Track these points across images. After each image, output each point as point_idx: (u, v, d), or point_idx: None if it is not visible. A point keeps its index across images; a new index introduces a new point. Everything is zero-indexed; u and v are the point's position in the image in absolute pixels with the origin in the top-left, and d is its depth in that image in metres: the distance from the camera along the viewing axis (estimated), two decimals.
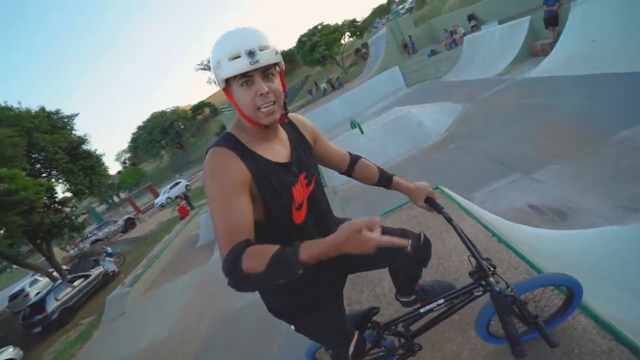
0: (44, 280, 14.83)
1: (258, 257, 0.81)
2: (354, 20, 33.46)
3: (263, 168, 1.00)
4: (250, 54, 0.89)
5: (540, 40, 10.05)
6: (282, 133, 1.15)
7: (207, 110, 57.59)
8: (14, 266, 15.62)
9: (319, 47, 30.34)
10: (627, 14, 6.67)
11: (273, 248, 0.82)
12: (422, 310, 1.40)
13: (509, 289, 1.11)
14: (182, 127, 48.09)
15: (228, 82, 0.96)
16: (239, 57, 0.90)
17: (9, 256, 11.74)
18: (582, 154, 4.45)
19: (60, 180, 15.28)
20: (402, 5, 39.33)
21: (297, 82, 42.45)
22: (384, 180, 1.41)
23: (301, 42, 31.82)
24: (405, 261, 1.37)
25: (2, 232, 9.98)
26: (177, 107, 50.89)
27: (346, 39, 34.19)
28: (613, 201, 3.43)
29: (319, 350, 1.81)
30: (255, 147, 1.03)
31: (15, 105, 14.24)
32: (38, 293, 12.97)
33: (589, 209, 3.50)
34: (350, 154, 1.43)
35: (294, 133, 1.19)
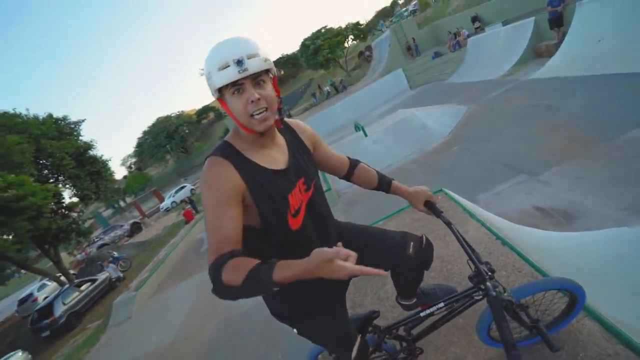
0: (51, 285, 15.00)
1: (237, 271, 0.82)
2: (358, 23, 33.58)
3: (258, 176, 1.02)
4: (239, 62, 0.92)
5: (544, 41, 9.99)
6: (280, 139, 1.16)
7: (211, 115, 57.98)
8: (23, 271, 15.78)
9: (322, 50, 30.48)
10: (633, 14, 6.60)
11: (252, 263, 0.82)
12: (422, 314, 1.40)
13: (505, 294, 1.11)
14: (187, 131, 48.42)
15: (221, 91, 0.99)
16: (228, 66, 0.92)
17: (17, 261, 11.88)
18: (588, 155, 4.40)
19: (67, 186, 15.46)
20: (405, 8, 39.39)
21: (301, 85, 42.62)
22: (383, 184, 1.42)
23: (305, 45, 31.98)
24: (408, 264, 1.38)
25: (10, 237, 10.11)
26: (182, 111, 51.30)
27: (350, 42, 34.28)
28: (620, 203, 3.39)
29: (322, 354, 1.81)
30: (251, 154, 1.05)
31: (24, 112, 14.46)
32: (46, 297, 13.11)
33: (596, 211, 3.45)
34: (349, 158, 1.44)
35: (293, 138, 1.20)
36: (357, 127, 9.80)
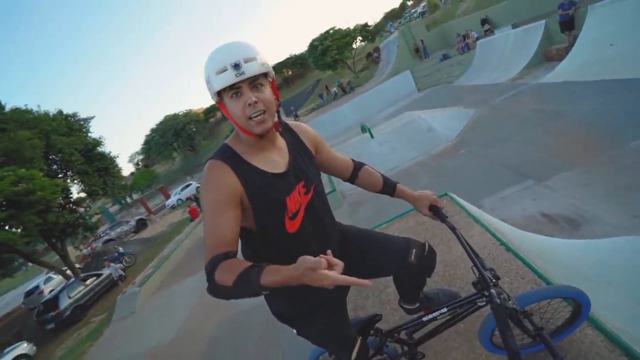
0: (57, 278, 15.19)
1: (229, 272, 0.84)
2: (366, 25, 33.48)
3: (257, 180, 1.03)
4: (236, 66, 0.93)
5: (555, 44, 9.88)
6: (281, 142, 1.16)
7: (218, 114, 58.20)
8: (30, 264, 16.03)
9: (330, 51, 30.47)
10: None
11: (243, 265, 0.84)
12: (425, 319, 1.39)
13: (510, 302, 1.10)
14: (194, 129, 48.68)
15: (220, 95, 1.00)
16: (226, 70, 0.94)
17: (25, 254, 12.08)
18: (597, 161, 4.34)
19: (75, 181, 15.69)
20: (414, 10, 39.21)
21: (308, 86, 42.64)
22: (388, 187, 1.42)
23: (313, 46, 32.00)
24: (409, 271, 1.37)
25: (19, 230, 10.28)
26: (190, 110, 51.59)
27: (358, 43, 34.23)
28: (629, 211, 3.33)
29: (322, 355, 1.81)
30: (250, 157, 1.06)
31: (35, 109, 14.69)
32: (52, 290, 13.28)
33: (603, 218, 3.41)
34: (354, 161, 1.43)
35: (294, 141, 1.20)
36: (364, 129, 9.79)
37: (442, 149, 7.57)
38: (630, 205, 3.38)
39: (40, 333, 10.55)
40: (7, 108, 13.27)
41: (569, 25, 8.96)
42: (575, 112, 5.96)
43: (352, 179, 1.42)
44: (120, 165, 18.96)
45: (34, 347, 9.18)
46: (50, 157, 14.36)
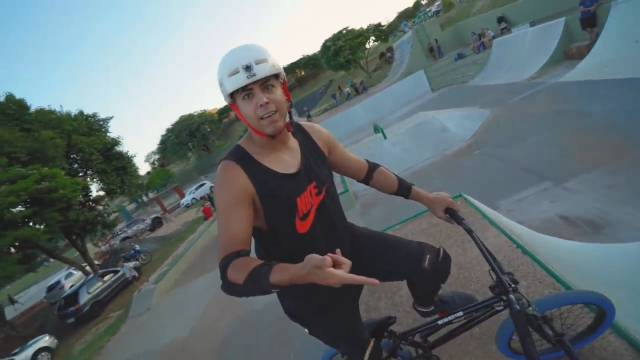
0: (77, 274, 15.71)
1: (240, 270, 0.86)
2: (379, 25, 33.30)
3: (268, 180, 1.05)
4: (247, 68, 0.95)
5: (575, 42, 9.57)
6: (294, 142, 1.17)
7: (232, 114, 58.78)
8: (51, 259, 16.59)
9: (343, 51, 30.45)
10: None
11: (254, 263, 0.86)
12: (440, 322, 1.37)
13: (530, 308, 1.06)
14: (209, 129, 49.38)
15: (233, 97, 1.02)
16: (238, 72, 0.96)
17: (47, 250, 12.54)
18: (621, 163, 4.18)
19: (94, 180, 16.12)
20: (428, 8, 38.73)
21: (321, 86, 42.68)
22: (403, 189, 1.40)
23: (326, 46, 32.06)
24: (423, 276, 1.35)
25: (42, 227, 10.66)
26: (204, 110, 52.32)
27: (371, 43, 34.07)
28: None
29: (335, 356, 1.81)
30: (262, 158, 1.07)
31: (57, 109, 15.19)
32: (72, 286, 13.73)
33: (627, 222, 3.28)
34: (368, 162, 1.42)
35: (306, 141, 1.21)
36: (377, 129, 9.72)
37: (457, 149, 7.45)
38: None
39: (60, 327, 10.94)
40: (32, 109, 13.75)
41: (591, 22, 8.67)
42: (597, 111, 5.76)
43: (367, 180, 1.41)
44: (137, 165, 19.38)
45: (55, 340, 9.51)
46: (72, 156, 14.79)
